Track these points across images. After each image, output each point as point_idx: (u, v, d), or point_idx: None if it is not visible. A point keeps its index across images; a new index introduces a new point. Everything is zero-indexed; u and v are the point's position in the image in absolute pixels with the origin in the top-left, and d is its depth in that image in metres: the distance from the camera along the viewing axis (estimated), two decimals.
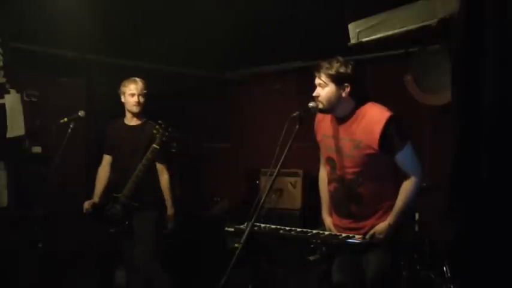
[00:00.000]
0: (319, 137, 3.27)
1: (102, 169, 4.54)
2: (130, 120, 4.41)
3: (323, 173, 3.41)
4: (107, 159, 4.54)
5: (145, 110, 4.41)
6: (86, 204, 4.38)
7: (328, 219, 3.31)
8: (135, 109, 4.33)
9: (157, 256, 4.30)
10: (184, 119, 5.93)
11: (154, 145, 4.15)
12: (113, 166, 4.52)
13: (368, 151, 2.99)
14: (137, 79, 4.35)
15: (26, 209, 4.70)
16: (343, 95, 3.02)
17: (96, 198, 4.45)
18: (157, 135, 4.13)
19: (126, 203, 4.23)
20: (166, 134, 4.13)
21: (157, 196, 4.37)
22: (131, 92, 4.30)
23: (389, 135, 2.94)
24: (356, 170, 3.05)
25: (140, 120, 4.41)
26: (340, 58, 3.05)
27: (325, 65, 3.03)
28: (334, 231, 3.14)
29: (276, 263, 3.21)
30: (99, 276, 5.25)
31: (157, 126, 4.14)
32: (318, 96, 3.04)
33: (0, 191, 4.79)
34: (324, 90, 3.02)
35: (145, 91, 4.33)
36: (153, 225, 4.28)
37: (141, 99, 4.32)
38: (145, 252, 4.23)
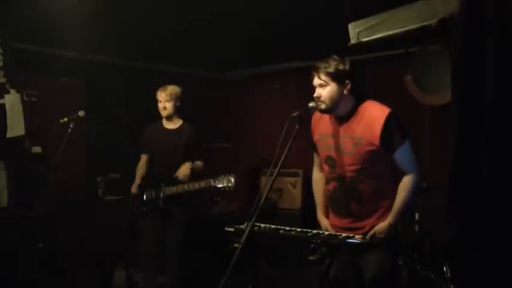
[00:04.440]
0: (316, 137, 3.25)
1: (140, 166, 4.70)
2: (167, 124, 4.60)
3: (317, 175, 3.41)
4: (144, 158, 4.70)
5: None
6: (134, 189, 4.57)
7: (324, 221, 3.29)
8: (163, 114, 4.55)
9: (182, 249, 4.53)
10: (184, 119, 5.91)
11: (211, 182, 4.33)
12: (153, 164, 4.65)
13: (369, 148, 2.99)
14: (168, 86, 4.53)
15: (26, 209, 4.69)
16: (345, 92, 3.03)
17: (139, 180, 4.61)
18: (224, 183, 4.27)
19: (162, 198, 4.42)
20: (232, 189, 4.27)
21: (190, 194, 4.52)
22: (158, 99, 4.53)
23: (390, 131, 2.94)
24: (356, 167, 3.04)
25: (176, 123, 4.59)
26: (336, 56, 3.06)
27: (323, 64, 3.03)
28: (333, 232, 3.13)
29: (276, 263, 3.20)
30: (99, 276, 5.25)
31: (231, 179, 4.25)
32: (319, 97, 3.04)
33: (0, 191, 4.79)
34: (325, 89, 3.02)
35: (171, 97, 4.48)
36: (186, 217, 4.54)
37: (168, 105, 4.49)
38: (179, 238, 4.50)
